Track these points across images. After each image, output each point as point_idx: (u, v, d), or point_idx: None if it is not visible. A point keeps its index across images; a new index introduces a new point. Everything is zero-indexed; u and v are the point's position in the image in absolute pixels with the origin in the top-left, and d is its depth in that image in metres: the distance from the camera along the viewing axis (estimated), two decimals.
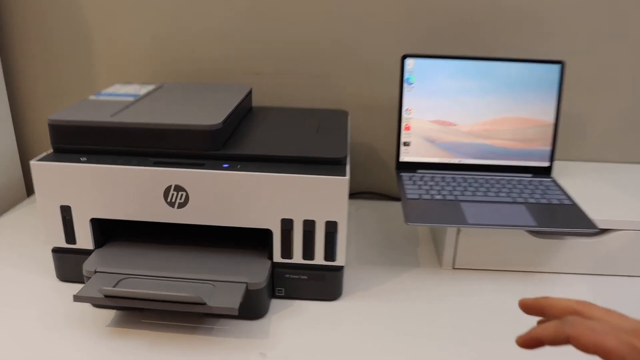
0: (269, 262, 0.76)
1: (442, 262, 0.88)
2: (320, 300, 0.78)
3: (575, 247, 0.85)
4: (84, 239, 0.77)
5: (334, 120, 0.93)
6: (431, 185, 0.92)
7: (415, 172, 0.97)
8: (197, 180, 0.71)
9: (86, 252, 0.78)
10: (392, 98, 1.09)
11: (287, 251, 0.75)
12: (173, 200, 0.73)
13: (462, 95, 0.96)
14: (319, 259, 0.75)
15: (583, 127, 1.12)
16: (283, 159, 0.74)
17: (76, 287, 0.71)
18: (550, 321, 0.37)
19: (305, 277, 0.77)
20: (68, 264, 0.80)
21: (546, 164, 0.98)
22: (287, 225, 0.73)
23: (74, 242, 0.77)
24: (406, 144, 0.97)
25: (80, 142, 0.75)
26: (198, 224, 0.74)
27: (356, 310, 0.76)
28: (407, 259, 0.91)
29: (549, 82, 0.95)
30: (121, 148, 0.75)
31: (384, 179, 1.17)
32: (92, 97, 0.87)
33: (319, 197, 0.71)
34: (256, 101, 1.08)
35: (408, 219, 0.80)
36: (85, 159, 0.74)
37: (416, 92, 0.96)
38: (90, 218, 0.75)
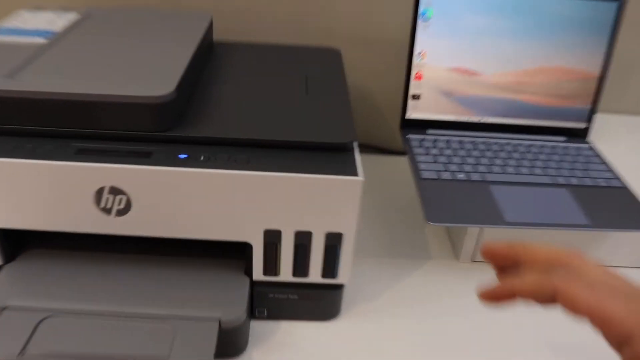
0: (246, 281, 0.57)
1: (459, 254, 0.71)
2: (313, 320, 0.61)
3: (621, 238, 0.69)
4: None
5: (324, 66, 0.69)
6: (449, 156, 0.72)
7: (425, 133, 0.77)
8: (142, 179, 0.49)
9: None
10: (400, 35, 0.85)
11: (271, 268, 0.56)
12: (109, 206, 0.50)
13: (491, 36, 0.74)
14: (314, 275, 0.57)
15: (626, 74, 0.93)
16: (264, 144, 0.52)
17: None
18: (530, 271, 0.29)
19: (295, 296, 0.59)
20: None
21: (583, 125, 0.80)
22: (272, 238, 0.53)
23: None
24: (415, 96, 0.76)
25: None
26: (144, 235, 0.53)
27: (360, 332, 0.60)
28: (417, 246, 0.73)
29: (600, 25, 0.74)
30: (26, 127, 0.51)
31: (384, 135, 0.96)
32: None
33: (318, 204, 0.50)
34: (218, 33, 0.82)
35: (429, 216, 0.61)
36: None
37: (433, 30, 0.73)
38: None
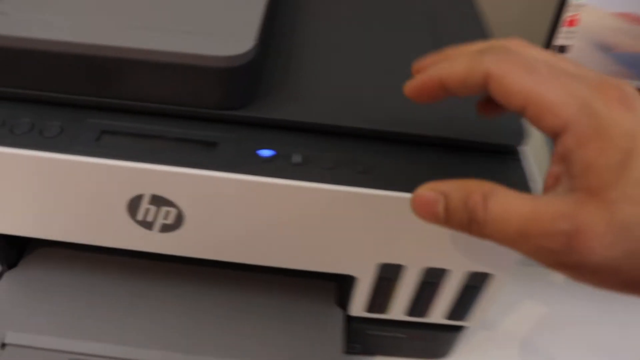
0: (339, 316, 0.40)
1: None
2: (418, 359, 0.45)
3: None
4: None
5: (452, 4, 0.48)
6: None
7: None
8: (202, 188, 0.31)
9: None
10: None
11: (379, 305, 0.39)
12: (149, 219, 0.33)
13: None
14: (436, 316, 0.40)
15: None
16: (383, 136, 0.33)
17: None
18: (461, 50, 0.24)
19: (402, 335, 0.42)
20: None
21: None
22: (388, 274, 0.36)
23: None
24: (563, 49, 0.55)
25: None
26: (201, 257, 0.36)
27: None
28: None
29: None
30: (18, 91, 0.33)
31: None
32: None
33: (463, 235, 0.32)
34: None
35: None
36: None
37: None
38: None
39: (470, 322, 0.40)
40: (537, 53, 0.23)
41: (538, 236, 0.20)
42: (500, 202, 0.21)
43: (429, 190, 0.24)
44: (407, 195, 0.30)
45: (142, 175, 0.31)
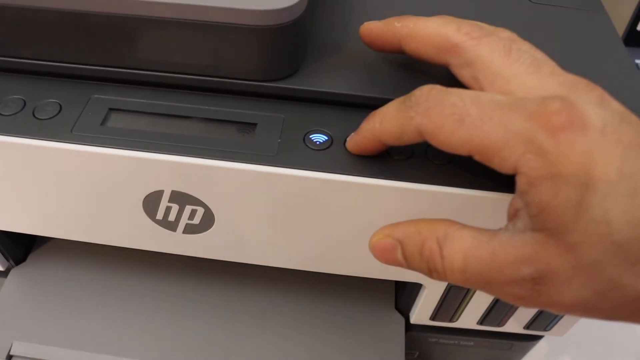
0: (400, 323, 0.34)
1: None
2: None
3: None
4: None
5: None
6: None
7: None
8: (238, 184, 0.24)
9: None
10: None
11: (447, 314, 0.33)
12: (171, 218, 0.27)
13: None
14: (513, 326, 0.33)
15: None
16: None
17: None
18: (389, 104, 0.22)
19: (470, 343, 0.36)
20: None
21: None
22: None
23: None
24: None
25: None
26: (234, 261, 0.30)
27: None
28: None
29: None
30: (8, 59, 0.26)
31: None
32: None
33: None
34: None
35: None
36: None
37: None
38: None
39: (554, 332, 0.34)
40: (462, 92, 0.20)
41: (502, 283, 0.19)
42: (457, 248, 0.20)
43: (385, 236, 0.22)
44: (496, 195, 0.23)
45: (159, 168, 0.24)
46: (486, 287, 0.20)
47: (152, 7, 0.23)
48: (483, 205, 0.23)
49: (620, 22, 0.49)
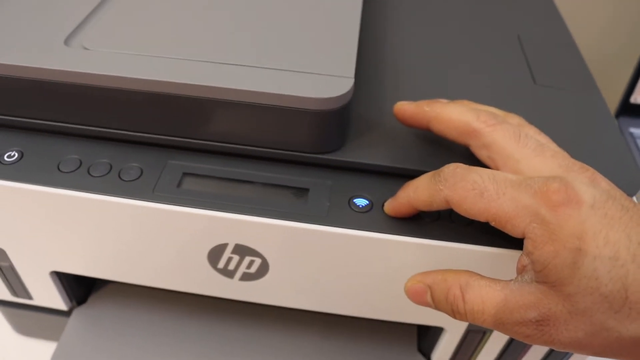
0: None
1: None
2: None
3: None
4: (46, 295, 0.38)
5: (538, 22, 0.45)
6: None
7: None
8: (292, 240, 0.29)
9: (55, 312, 0.40)
10: None
11: (465, 355, 0.36)
12: (231, 267, 0.31)
13: None
14: None
15: None
16: None
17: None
18: (422, 177, 0.27)
19: None
20: (26, 319, 0.42)
21: None
22: (479, 327, 0.33)
23: (27, 296, 0.38)
24: None
25: None
26: (280, 305, 0.34)
27: None
28: None
29: None
30: (97, 129, 0.31)
31: None
32: None
33: None
34: None
35: None
36: (14, 155, 0.31)
37: None
38: (50, 271, 0.35)
39: None
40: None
41: (513, 324, 0.23)
42: (476, 293, 0.24)
43: (417, 282, 0.27)
44: (509, 251, 0.28)
45: (228, 224, 0.29)
46: (500, 326, 0.24)
47: (228, 93, 0.28)
48: (497, 260, 0.28)
49: (615, 95, 0.55)
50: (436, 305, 0.26)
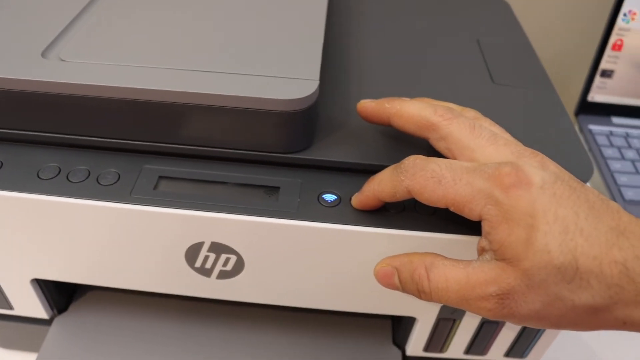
0: (397, 355, 0.39)
1: None
2: None
3: None
4: (27, 305, 0.39)
5: (497, 28, 0.47)
6: None
7: (610, 123, 0.56)
8: (267, 235, 0.30)
9: (36, 322, 0.40)
10: None
11: (438, 344, 0.38)
12: (208, 266, 0.33)
13: None
14: (495, 354, 0.39)
15: None
16: None
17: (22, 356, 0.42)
18: (384, 170, 0.29)
19: None
20: (8, 330, 0.42)
21: None
22: (451, 314, 0.35)
23: (8, 306, 0.39)
24: (606, 73, 0.54)
25: None
26: (256, 302, 0.35)
27: None
28: None
29: None
30: (75, 136, 0.32)
31: None
32: None
33: None
34: None
35: None
36: None
37: None
38: (31, 278, 0.36)
39: (530, 359, 0.39)
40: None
41: (475, 299, 0.25)
42: (440, 272, 0.26)
43: (385, 265, 0.29)
44: (469, 237, 0.29)
45: (204, 223, 0.30)
46: (463, 303, 0.25)
47: (195, 97, 0.29)
48: (458, 246, 0.30)
49: (574, 95, 0.58)
50: (403, 287, 0.28)
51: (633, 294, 0.23)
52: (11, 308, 0.39)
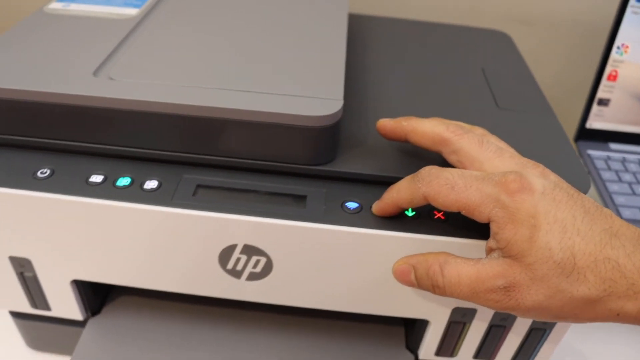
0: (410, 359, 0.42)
1: None
2: None
3: None
4: (64, 306, 0.41)
5: (499, 60, 0.51)
6: None
7: (608, 148, 0.59)
8: (294, 238, 0.33)
9: (70, 323, 0.43)
10: (593, 16, 0.66)
11: (448, 348, 0.40)
12: (239, 268, 0.36)
13: None
14: (501, 358, 0.41)
15: None
16: None
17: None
18: (403, 179, 0.32)
19: None
20: (42, 331, 0.45)
21: None
22: (462, 317, 0.38)
23: (46, 307, 0.42)
24: (603, 101, 0.58)
25: (24, 130, 0.36)
26: (283, 304, 0.38)
27: None
28: None
29: None
30: (120, 147, 0.36)
31: None
32: (52, 6, 0.44)
33: None
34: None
35: None
36: (46, 172, 0.35)
37: None
38: (71, 280, 0.39)
39: None
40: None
41: (484, 291, 0.28)
42: (453, 268, 0.29)
43: (403, 263, 0.32)
44: (477, 241, 0.32)
45: (237, 226, 0.33)
46: (474, 296, 0.28)
47: (233, 113, 0.33)
48: (469, 249, 0.33)
49: (573, 122, 0.62)
50: (419, 282, 0.31)
51: (625, 288, 0.26)
52: (49, 309, 0.42)
